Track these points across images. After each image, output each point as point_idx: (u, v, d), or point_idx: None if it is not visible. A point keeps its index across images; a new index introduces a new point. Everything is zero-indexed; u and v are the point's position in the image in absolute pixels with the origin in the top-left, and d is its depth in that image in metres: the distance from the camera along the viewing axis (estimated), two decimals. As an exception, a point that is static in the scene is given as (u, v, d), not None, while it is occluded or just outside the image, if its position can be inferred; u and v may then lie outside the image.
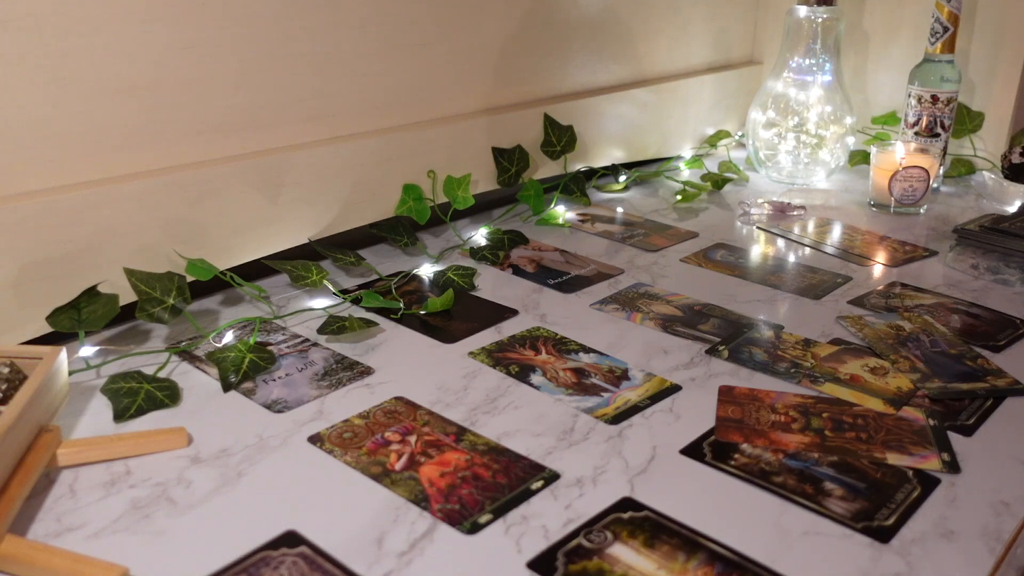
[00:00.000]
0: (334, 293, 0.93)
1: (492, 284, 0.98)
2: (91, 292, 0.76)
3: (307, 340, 0.84)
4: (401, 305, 0.90)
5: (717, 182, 1.32)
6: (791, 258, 1.07)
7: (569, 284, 0.98)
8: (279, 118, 0.93)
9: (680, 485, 0.63)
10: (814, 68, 1.32)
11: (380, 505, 0.60)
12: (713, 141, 1.48)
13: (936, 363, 0.80)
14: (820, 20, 1.30)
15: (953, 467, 0.65)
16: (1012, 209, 1.23)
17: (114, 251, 0.81)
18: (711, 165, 1.42)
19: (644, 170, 1.38)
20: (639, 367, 0.80)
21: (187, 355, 0.81)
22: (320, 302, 0.91)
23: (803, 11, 1.31)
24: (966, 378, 0.78)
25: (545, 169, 1.23)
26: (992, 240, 1.09)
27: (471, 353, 0.82)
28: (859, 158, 1.43)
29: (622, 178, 1.33)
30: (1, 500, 0.55)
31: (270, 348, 0.82)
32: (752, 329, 0.87)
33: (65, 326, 0.75)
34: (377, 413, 0.72)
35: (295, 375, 0.77)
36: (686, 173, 1.40)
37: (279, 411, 0.72)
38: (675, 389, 0.76)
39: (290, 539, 0.57)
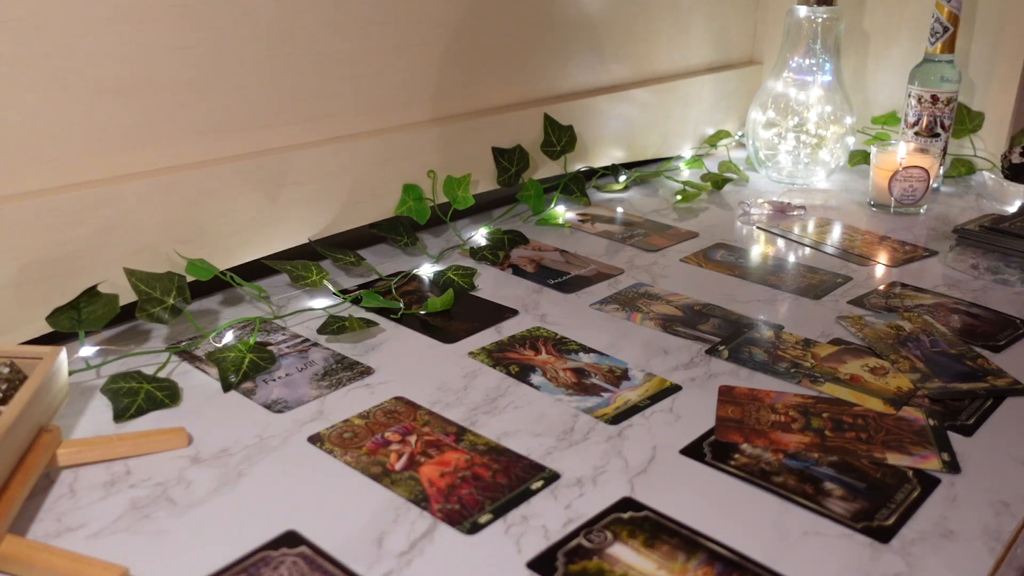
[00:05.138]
0: (334, 293, 0.93)
1: (492, 284, 0.98)
2: (91, 292, 0.76)
3: (307, 340, 0.84)
4: (401, 305, 0.90)
5: (717, 182, 1.32)
6: (791, 258, 1.07)
7: (569, 284, 0.98)
8: (279, 118, 0.93)
9: (680, 485, 0.63)
10: (814, 68, 1.32)
11: (380, 505, 0.60)
12: (713, 141, 1.48)
13: (936, 363, 0.80)
14: (820, 20, 1.30)
15: (953, 467, 0.65)
16: (1012, 209, 1.23)
17: (114, 251, 0.81)
18: (711, 165, 1.42)
19: (644, 170, 1.38)
20: (639, 367, 0.80)
21: (187, 355, 0.81)
22: (320, 302, 0.91)
23: (803, 11, 1.31)
24: (966, 378, 0.78)
25: (545, 169, 1.23)
26: (992, 240, 1.09)
27: (471, 353, 0.82)
28: (859, 158, 1.43)
29: (622, 178, 1.33)
30: (1, 500, 0.55)
31: (270, 348, 0.82)
32: (752, 329, 0.87)
33: (65, 326, 0.75)
34: (377, 413, 0.72)
35: (295, 375, 0.77)
36: (686, 173, 1.40)
37: (279, 411, 0.72)
38: (675, 389, 0.76)
39: (290, 539, 0.57)
